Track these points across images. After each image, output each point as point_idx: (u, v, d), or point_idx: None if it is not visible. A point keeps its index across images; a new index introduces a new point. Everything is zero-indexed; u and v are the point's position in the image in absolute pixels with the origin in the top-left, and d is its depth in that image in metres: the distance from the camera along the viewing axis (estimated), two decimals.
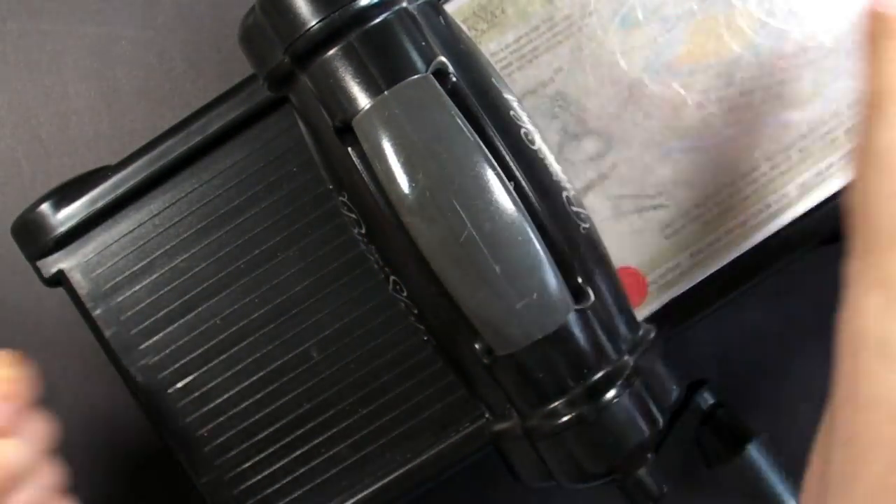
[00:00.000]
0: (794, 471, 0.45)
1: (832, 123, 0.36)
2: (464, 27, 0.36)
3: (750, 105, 0.35)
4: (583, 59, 0.36)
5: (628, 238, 0.36)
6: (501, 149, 0.32)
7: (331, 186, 0.35)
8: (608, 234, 0.36)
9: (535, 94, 0.36)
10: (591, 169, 0.36)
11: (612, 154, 0.35)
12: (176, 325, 0.39)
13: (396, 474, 0.39)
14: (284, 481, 0.39)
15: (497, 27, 0.36)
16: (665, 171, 0.36)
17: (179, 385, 0.39)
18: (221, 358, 0.39)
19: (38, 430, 0.35)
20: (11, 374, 0.34)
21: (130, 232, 0.39)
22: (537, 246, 0.31)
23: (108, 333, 0.39)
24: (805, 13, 0.35)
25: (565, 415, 0.32)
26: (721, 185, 0.36)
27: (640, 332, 0.34)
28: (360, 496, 0.39)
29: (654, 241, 0.36)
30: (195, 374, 0.39)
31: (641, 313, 0.37)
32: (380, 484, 0.39)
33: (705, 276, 0.36)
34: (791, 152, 0.35)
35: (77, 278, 0.39)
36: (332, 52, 0.32)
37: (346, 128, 0.32)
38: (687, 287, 0.36)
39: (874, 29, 0.29)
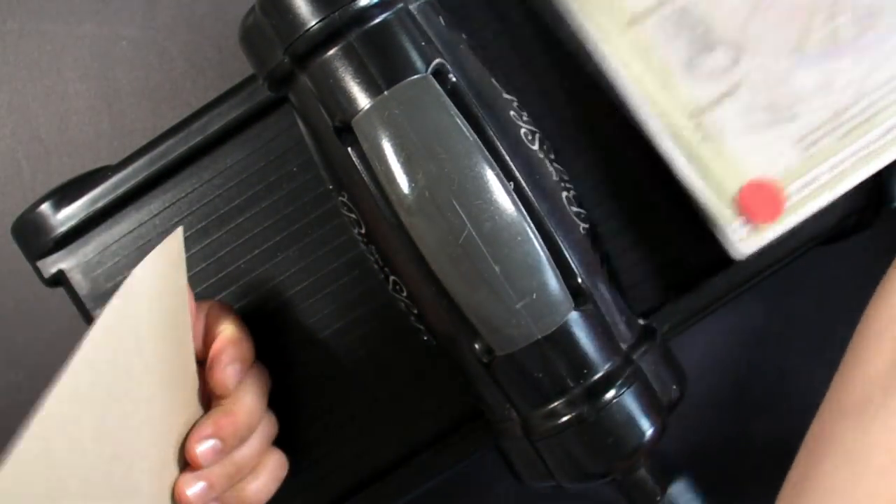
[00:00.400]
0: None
1: None
2: None
3: (882, 12, 0.34)
4: None
5: (763, 151, 0.34)
6: (501, 149, 0.32)
7: (331, 186, 0.35)
8: (741, 146, 0.34)
9: (659, 8, 0.34)
10: (721, 81, 0.34)
11: (742, 64, 0.34)
12: None
13: (396, 474, 0.39)
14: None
15: None
16: (800, 80, 0.34)
17: None
18: None
19: (261, 384, 0.36)
20: (237, 334, 0.35)
21: (130, 232, 0.39)
22: (537, 246, 0.31)
23: None
24: None
25: (565, 415, 0.32)
26: (859, 95, 0.34)
27: (640, 332, 0.34)
28: (359, 495, 0.39)
29: (790, 153, 0.34)
30: None
31: (778, 229, 0.35)
32: (380, 483, 0.39)
33: (846, 188, 0.35)
34: None
35: (77, 278, 0.39)
36: (331, 52, 0.32)
37: (346, 128, 0.32)
38: (827, 200, 0.35)
39: None
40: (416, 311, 0.34)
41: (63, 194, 0.39)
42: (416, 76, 0.31)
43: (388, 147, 0.31)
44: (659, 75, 0.35)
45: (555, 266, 0.31)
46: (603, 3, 0.35)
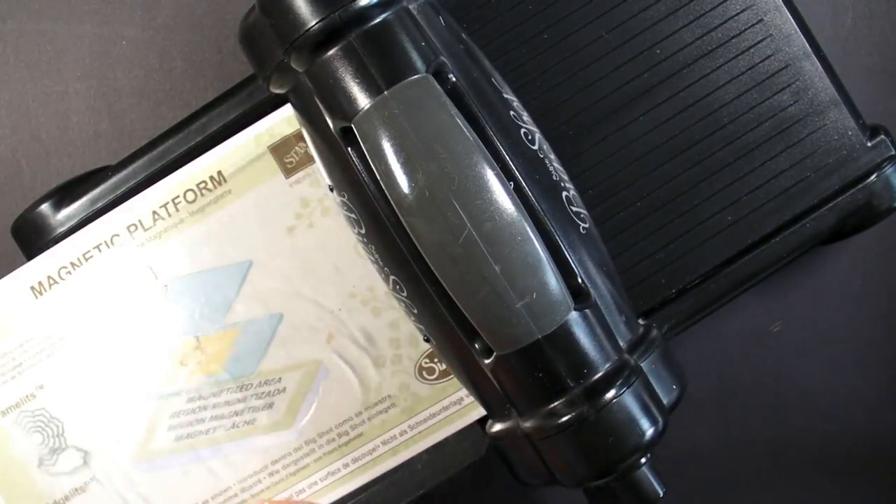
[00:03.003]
0: (794, 470, 0.45)
1: None
2: None
3: None
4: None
5: None
6: (501, 149, 0.32)
7: (330, 186, 0.35)
8: None
9: (20, 405, 0.38)
10: (73, 478, 0.38)
11: (92, 465, 0.38)
12: None
13: (397, 474, 0.39)
14: None
15: None
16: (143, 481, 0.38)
17: None
18: None
19: None
20: None
21: None
22: (537, 246, 0.31)
23: None
24: None
25: (565, 415, 0.32)
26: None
27: (640, 332, 0.34)
28: (360, 497, 0.39)
29: None
30: None
31: None
32: (379, 486, 0.39)
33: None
34: None
35: None
36: (332, 52, 0.32)
37: (346, 128, 0.32)
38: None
39: None
40: (416, 311, 0.34)
41: (63, 194, 0.39)
42: (416, 76, 0.31)
43: (388, 147, 0.31)
44: (18, 467, 0.38)
45: (555, 266, 0.31)
46: None
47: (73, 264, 0.37)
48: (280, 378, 0.38)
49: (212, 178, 0.37)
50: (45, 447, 0.38)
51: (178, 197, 0.37)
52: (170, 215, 0.37)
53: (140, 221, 0.37)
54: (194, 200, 0.37)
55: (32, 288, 0.37)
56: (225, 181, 0.37)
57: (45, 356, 0.37)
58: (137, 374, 0.38)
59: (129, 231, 0.37)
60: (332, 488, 0.38)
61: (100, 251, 0.37)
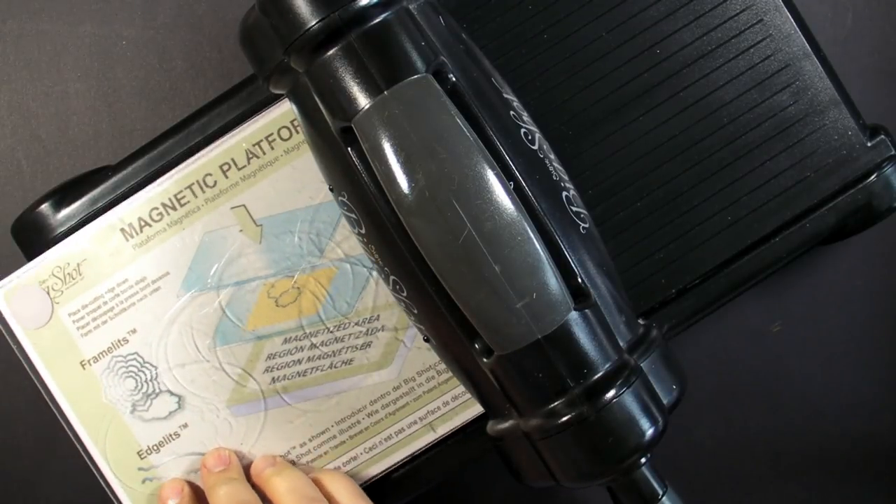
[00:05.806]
0: (794, 470, 0.45)
1: None
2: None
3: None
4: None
5: None
6: (501, 149, 0.32)
7: (330, 186, 0.35)
8: None
9: (111, 351, 0.38)
10: (165, 424, 0.38)
11: (185, 411, 0.38)
12: None
13: (396, 475, 0.39)
14: None
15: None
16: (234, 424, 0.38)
17: None
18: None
19: None
20: None
21: None
22: (537, 246, 0.31)
23: None
24: None
25: (565, 415, 0.32)
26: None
27: (640, 332, 0.34)
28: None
29: None
30: None
31: None
32: (378, 485, 0.39)
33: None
34: None
35: None
36: (331, 52, 0.32)
37: (346, 128, 0.32)
38: None
39: None
40: (415, 311, 0.34)
41: (63, 194, 0.39)
42: (416, 76, 0.31)
43: (388, 147, 0.31)
44: (109, 415, 0.38)
45: (555, 266, 0.31)
46: (58, 341, 0.38)
47: (163, 205, 0.37)
48: (378, 316, 0.37)
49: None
50: (139, 392, 0.38)
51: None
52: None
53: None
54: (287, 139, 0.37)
55: (123, 231, 0.37)
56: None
57: (137, 300, 0.37)
58: (232, 314, 0.37)
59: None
60: (426, 430, 0.38)
61: (193, 194, 0.37)
